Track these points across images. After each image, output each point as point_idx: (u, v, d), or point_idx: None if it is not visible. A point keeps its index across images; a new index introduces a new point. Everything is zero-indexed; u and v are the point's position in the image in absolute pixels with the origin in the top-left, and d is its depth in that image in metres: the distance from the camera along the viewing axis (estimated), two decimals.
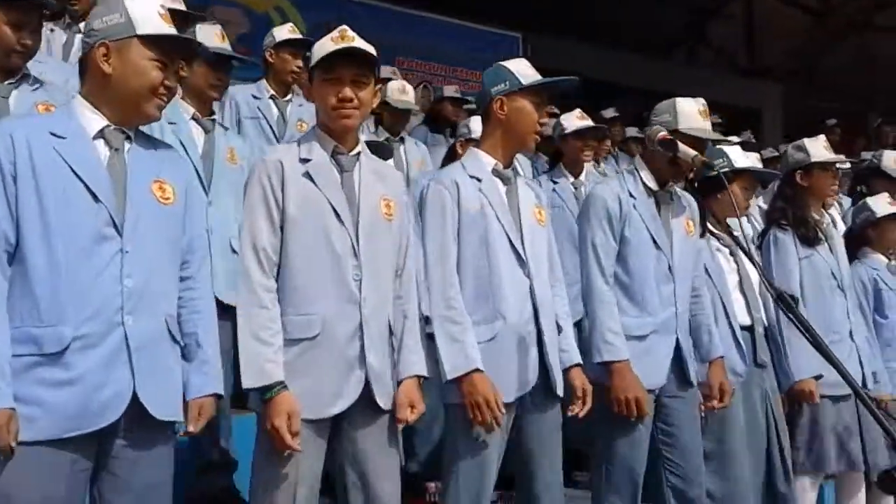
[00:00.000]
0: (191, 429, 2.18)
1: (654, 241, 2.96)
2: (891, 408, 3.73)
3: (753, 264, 2.43)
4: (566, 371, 2.73)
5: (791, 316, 1.99)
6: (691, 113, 2.98)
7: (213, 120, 3.41)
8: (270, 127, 4.32)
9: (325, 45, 2.36)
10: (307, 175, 2.34)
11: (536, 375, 2.64)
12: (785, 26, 11.84)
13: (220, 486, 3.36)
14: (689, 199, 3.16)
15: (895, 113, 10.46)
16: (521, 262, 2.66)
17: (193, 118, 3.34)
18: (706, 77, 11.31)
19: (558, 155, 4.80)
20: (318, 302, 2.28)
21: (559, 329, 2.74)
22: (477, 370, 2.52)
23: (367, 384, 2.31)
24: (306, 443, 2.25)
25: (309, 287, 2.29)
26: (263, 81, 4.47)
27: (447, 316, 2.56)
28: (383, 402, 2.35)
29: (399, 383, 2.40)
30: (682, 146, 2.83)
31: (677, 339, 2.97)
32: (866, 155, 6.55)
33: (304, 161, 2.36)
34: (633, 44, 10.95)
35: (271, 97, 4.41)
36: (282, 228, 2.31)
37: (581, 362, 2.78)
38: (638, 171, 3.03)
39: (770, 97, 12.47)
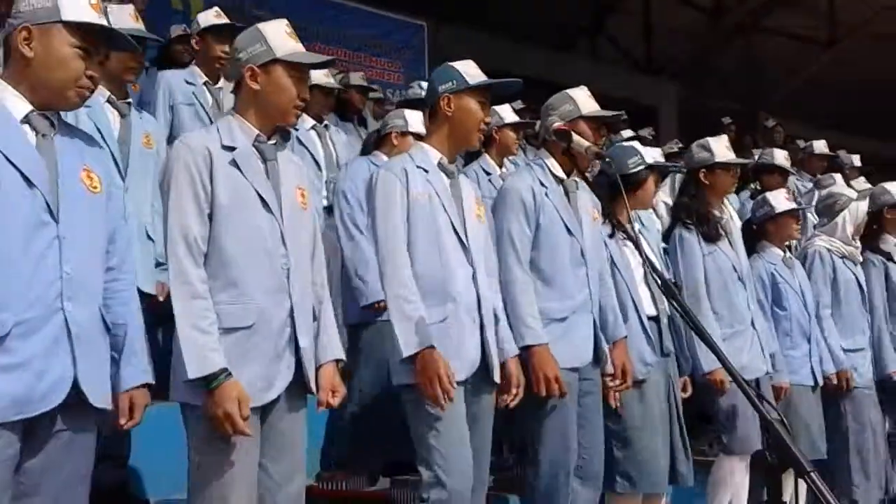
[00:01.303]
0: (122, 422, 2.16)
1: (567, 228, 3.11)
2: (790, 393, 3.99)
3: (640, 255, 2.57)
4: (505, 361, 2.83)
5: (673, 303, 2.09)
6: (587, 100, 3.18)
7: (129, 103, 3.30)
8: (206, 113, 4.19)
9: (286, 41, 2.39)
10: (234, 163, 2.33)
11: (479, 359, 2.75)
12: (680, 25, 12.24)
13: (113, 479, 3.26)
14: (589, 190, 3.33)
15: (779, 112, 11.03)
16: (465, 249, 2.77)
17: (109, 101, 3.22)
18: (606, 72, 11.61)
19: (485, 145, 4.81)
20: (253, 291, 2.30)
21: (497, 320, 2.84)
22: (431, 346, 2.61)
23: (299, 369, 2.36)
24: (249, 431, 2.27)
25: (242, 276, 2.30)
26: (195, 67, 4.34)
27: (401, 295, 2.65)
28: (313, 385, 2.40)
29: (318, 368, 2.44)
30: (576, 137, 2.99)
31: (594, 320, 3.12)
32: (755, 153, 6.92)
33: (228, 149, 2.34)
34: (536, 36, 11.12)
35: (204, 83, 4.28)
36: (209, 217, 2.29)
37: (519, 353, 2.89)
38: (545, 162, 3.17)
39: (666, 95, 12.89)
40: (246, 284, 2.30)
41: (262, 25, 2.43)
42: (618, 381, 3.21)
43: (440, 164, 2.82)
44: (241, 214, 2.31)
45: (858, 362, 4.33)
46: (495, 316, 2.83)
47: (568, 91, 3.20)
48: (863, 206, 4.49)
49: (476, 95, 2.79)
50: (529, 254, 3.07)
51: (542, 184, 3.11)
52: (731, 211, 4.43)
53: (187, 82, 4.23)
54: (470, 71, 2.82)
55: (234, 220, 2.30)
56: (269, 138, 2.42)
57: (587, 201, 3.24)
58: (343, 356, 2.53)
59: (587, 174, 3.64)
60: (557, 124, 3.02)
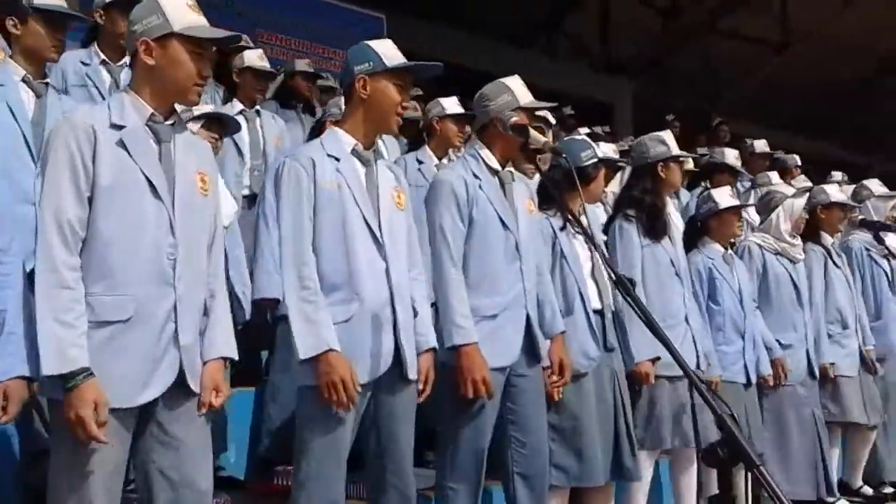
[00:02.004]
0: None
1: (502, 220, 3.02)
2: (720, 388, 3.96)
3: (596, 250, 2.54)
4: (419, 354, 2.72)
5: (628, 298, 2.08)
6: (523, 90, 3.09)
7: (47, 84, 3.15)
8: (101, 94, 4.01)
9: (186, 13, 2.24)
10: (121, 143, 2.17)
11: (391, 357, 2.63)
12: (638, 24, 12.31)
13: None
14: (525, 181, 3.25)
15: (733, 112, 11.16)
16: (378, 244, 2.64)
17: (24, 80, 3.07)
18: (563, 68, 11.65)
19: (426, 135, 4.79)
20: (131, 282, 2.14)
21: (415, 313, 2.72)
22: (332, 350, 2.50)
23: (181, 368, 2.21)
24: (112, 434, 2.09)
25: (121, 266, 2.13)
26: (94, 46, 4.15)
27: (301, 296, 2.52)
28: (195, 384, 2.24)
29: (204, 364, 2.28)
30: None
31: (527, 315, 3.04)
32: (703, 150, 6.99)
33: (117, 127, 2.18)
34: (496, 31, 11.11)
35: (102, 62, 4.11)
36: (89, 200, 2.12)
37: (435, 346, 2.79)
38: (479, 153, 3.08)
39: (622, 93, 12.96)
40: (124, 274, 2.13)
41: None
42: (555, 377, 3.17)
43: (354, 151, 2.67)
44: (125, 199, 2.15)
45: (786, 359, 4.35)
46: (414, 310, 2.71)
47: (503, 80, 3.10)
48: (798, 203, 4.53)
49: (394, 78, 2.64)
50: (462, 248, 2.97)
51: (475, 175, 3.02)
52: (672, 207, 4.46)
53: (83, 63, 4.06)
54: (388, 52, 2.67)
55: (115, 205, 2.13)
56: (166, 118, 2.27)
57: (523, 193, 3.15)
58: (233, 354, 2.36)
59: (540, 165, 3.63)
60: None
